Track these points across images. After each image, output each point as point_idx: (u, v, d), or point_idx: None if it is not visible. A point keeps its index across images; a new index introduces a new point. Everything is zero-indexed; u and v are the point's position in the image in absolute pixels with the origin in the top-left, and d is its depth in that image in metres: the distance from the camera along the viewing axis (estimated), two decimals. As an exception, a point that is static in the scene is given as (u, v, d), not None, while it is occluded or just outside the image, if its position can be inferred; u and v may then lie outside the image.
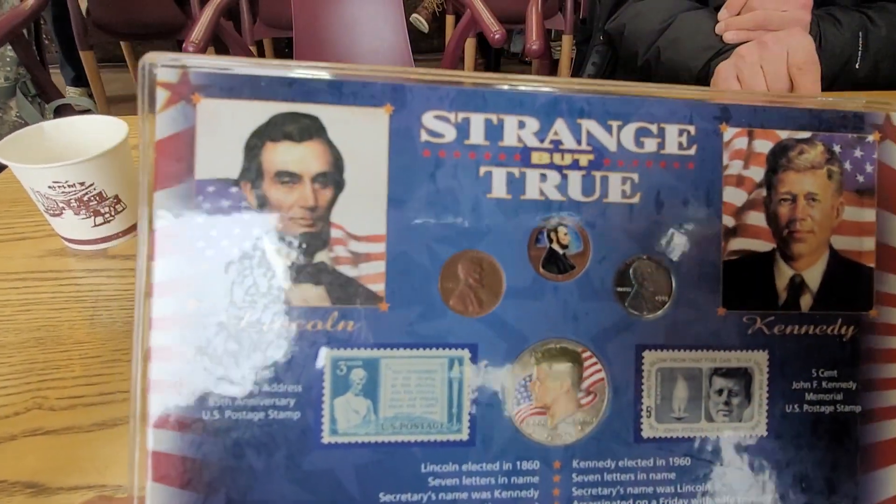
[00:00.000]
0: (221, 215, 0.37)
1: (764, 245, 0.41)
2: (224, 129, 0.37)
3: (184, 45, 1.45)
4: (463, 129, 0.39)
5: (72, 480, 0.50)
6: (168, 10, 2.82)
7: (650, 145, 0.40)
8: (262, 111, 0.37)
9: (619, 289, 0.40)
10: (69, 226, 0.75)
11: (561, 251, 0.40)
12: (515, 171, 0.39)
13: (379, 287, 0.38)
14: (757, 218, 0.41)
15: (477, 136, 0.39)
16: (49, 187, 0.70)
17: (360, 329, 0.38)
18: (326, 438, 0.38)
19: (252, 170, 0.37)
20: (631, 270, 0.40)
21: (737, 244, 0.41)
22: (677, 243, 0.40)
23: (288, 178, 0.38)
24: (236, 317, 0.37)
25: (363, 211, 0.38)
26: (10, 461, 0.51)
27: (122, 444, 0.49)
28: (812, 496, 0.42)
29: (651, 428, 0.40)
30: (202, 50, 1.51)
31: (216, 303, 0.36)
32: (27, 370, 0.59)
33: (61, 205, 0.72)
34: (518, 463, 0.39)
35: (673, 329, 0.40)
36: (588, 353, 0.40)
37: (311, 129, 0.38)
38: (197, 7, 2.70)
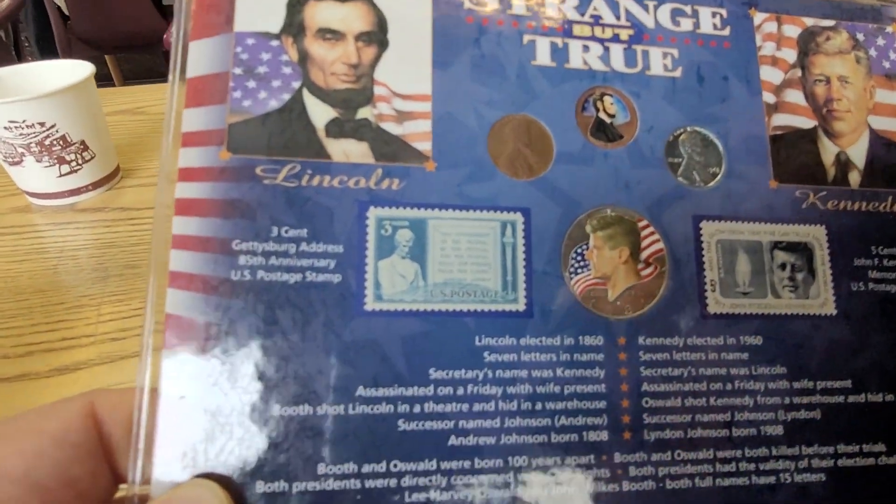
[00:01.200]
0: (260, 67, 0.24)
1: (806, 122, 0.28)
2: (265, -15, 0.24)
3: (164, 37, 1.08)
4: (506, 0, 0.26)
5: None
6: (151, 20, 1.93)
7: (686, 24, 0.28)
8: (304, -29, 0.25)
9: (670, 159, 0.26)
10: (31, 176, 0.48)
11: (608, 120, 0.26)
12: (559, 40, 0.26)
13: (425, 146, 0.24)
14: (795, 96, 0.28)
15: (519, 6, 0.26)
16: (5, 128, 0.44)
17: (406, 188, 0.24)
18: (370, 305, 0.23)
19: (294, 24, 0.24)
20: (680, 141, 0.27)
21: (780, 120, 0.27)
22: (723, 116, 0.27)
23: (330, 34, 0.24)
24: (272, 170, 0.23)
25: (408, 70, 0.25)
26: (-43, 409, 0.32)
27: (85, 388, 0.31)
28: (889, 383, 0.26)
29: (717, 303, 0.25)
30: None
31: (251, 155, 0.23)
32: (-20, 320, 0.38)
33: (20, 150, 0.46)
34: (580, 338, 0.24)
35: (728, 200, 0.26)
36: (645, 223, 0.25)
37: (354, -9, 0.25)
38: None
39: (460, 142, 0.23)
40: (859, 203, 0.26)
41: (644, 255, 0.24)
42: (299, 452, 0.20)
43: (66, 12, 1.84)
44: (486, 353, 0.22)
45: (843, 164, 0.26)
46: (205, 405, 0.20)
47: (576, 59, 0.25)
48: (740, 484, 0.23)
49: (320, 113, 0.23)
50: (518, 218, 0.23)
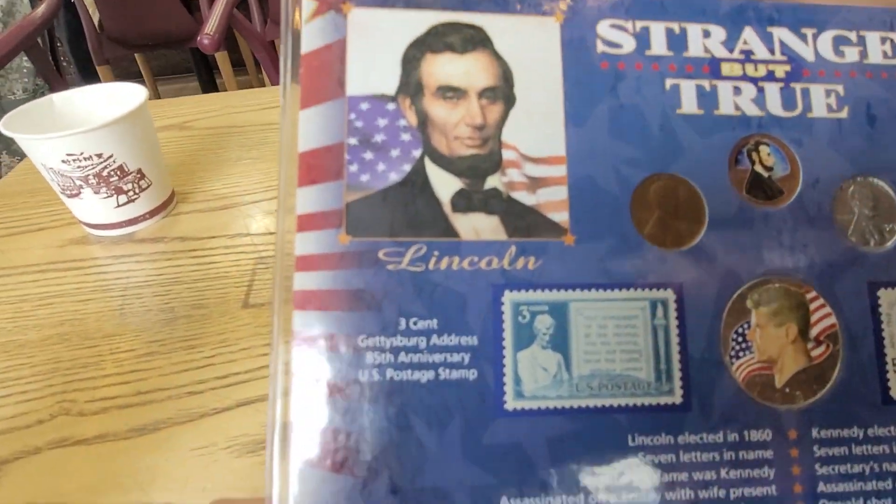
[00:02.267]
0: (377, 135, 0.21)
1: None
2: (378, 40, 0.21)
3: (198, 38, 1.03)
4: (643, 39, 0.23)
5: (109, 500, 0.28)
6: (180, 18, 1.94)
7: (851, 55, 0.23)
8: (420, 21, 0.22)
9: (839, 217, 0.23)
10: (89, 208, 0.46)
11: (766, 174, 0.23)
12: (706, 83, 0.23)
13: (562, 216, 0.21)
14: None
15: (659, 46, 0.23)
16: (63, 161, 0.42)
17: (543, 266, 0.21)
18: (511, 404, 0.20)
19: (411, 84, 0.21)
20: (849, 195, 0.23)
21: None
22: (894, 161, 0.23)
23: (452, 93, 0.22)
24: (396, 254, 0.21)
25: (538, 129, 0.22)
26: (34, 478, 0.29)
27: (168, 451, 0.30)
28: None
29: None
30: (218, 43, 1.07)
31: (373, 238, 0.20)
32: (51, 370, 0.36)
33: (78, 182, 0.44)
34: (746, 433, 0.21)
35: None
36: (813, 294, 0.22)
37: (475, 40, 0.22)
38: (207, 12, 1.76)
39: (601, 209, 0.20)
40: None
41: (814, 332, 0.20)
42: (442, 574, 0.18)
43: (97, 15, 1.86)
44: (640, 454, 0.19)
45: None
46: (338, 524, 0.18)
47: (726, 105, 0.21)
48: None
49: (445, 184, 0.20)
50: (670, 295, 0.20)
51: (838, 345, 0.20)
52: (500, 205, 0.20)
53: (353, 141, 0.20)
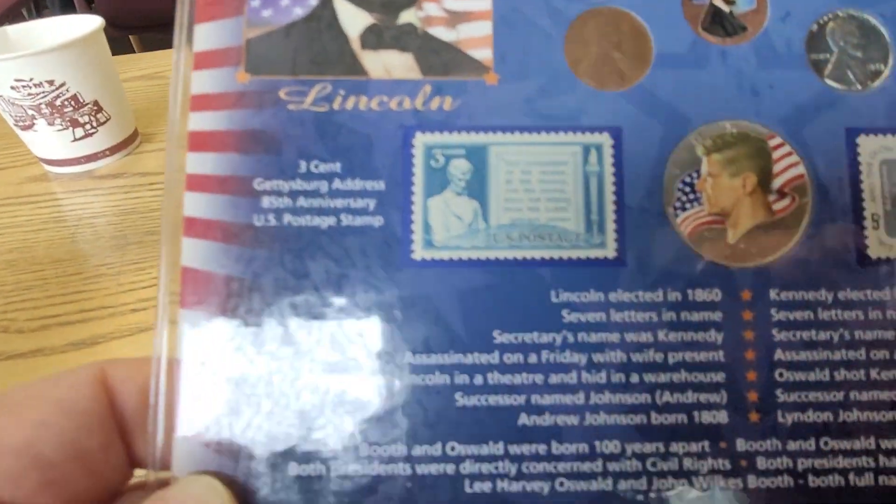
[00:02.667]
0: None
1: None
2: None
3: None
4: None
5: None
6: None
7: None
8: None
9: (814, 56, 0.20)
10: (44, 141, 0.44)
11: (726, 7, 0.20)
12: None
13: (485, 53, 0.19)
14: None
15: None
16: (12, 87, 0.40)
17: (462, 107, 0.19)
18: (419, 253, 0.18)
19: None
20: (828, 30, 0.20)
21: None
22: None
23: None
24: (298, 93, 0.19)
25: None
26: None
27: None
28: None
29: (881, 244, 0.19)
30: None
31: (274, 76, 0.17)
32: (-8, 293, 0.34)
33: (31, 112, 0.41)
34: (690, 292, 0.18)
35: None
36: (778, 140, 0.19)
37: None
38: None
39: (530, 46, 0.18)
40: None
41: (777, 182, 0.18)
42: (337, 430, 0.16)
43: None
44: (565, 312, 0.17)
45: None
46: (228, 373, 0.16)
47: (681, -71, 0.18)
48: (915, 485, 0.16)
49: (354, 19, 0.18)
50: (605, 140, 0.18)
51: (806, 197, 0.18)
52: (414, 41, 0.18)
53: (255, -26, 0.18)
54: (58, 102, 0.42)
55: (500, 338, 0.17)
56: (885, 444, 0.17)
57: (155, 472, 0.16)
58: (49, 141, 0.45)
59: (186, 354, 0.16)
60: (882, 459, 0.17)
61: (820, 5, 0.18)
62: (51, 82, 0.41)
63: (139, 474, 0.17)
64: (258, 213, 0.17)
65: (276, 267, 0.17)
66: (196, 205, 0.17)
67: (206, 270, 0.17)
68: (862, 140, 0.18)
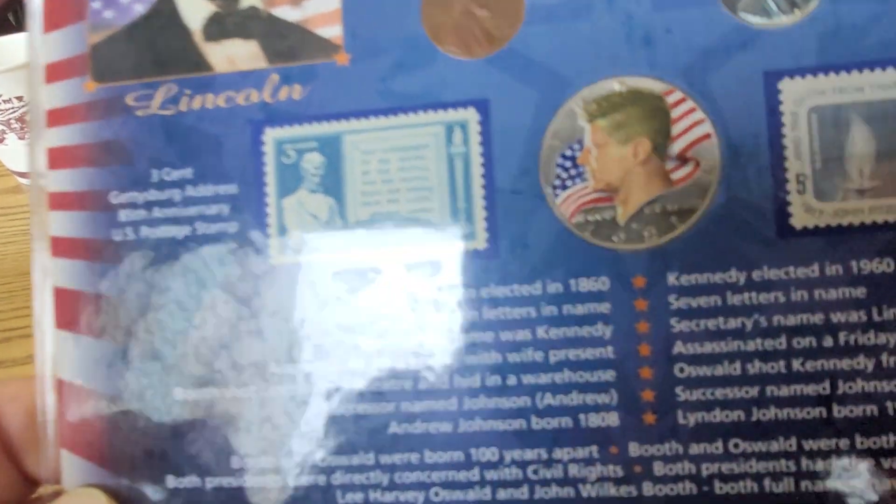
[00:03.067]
0: None
1: None
2: None
3: None
4: None
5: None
6: None
7: None
8: None
9: None
10: (16, 155, 0.42)
11: None
12: None
13: (334, 31, 0.17)
14: None
15: None
16: None
17: (312, 95, 0.17)
18: (276, 258, 0.16)
19: None
20: None
21: None
22: None
23: None
24: (145, 97, 0.18)
25: None
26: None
27: None
28: None
29: (809, 211, 0.16)
30: None
31: (119, 82, 0.16)
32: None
33: (1, 127, 0.41)
34: (572, 282, 0.16)
35: (834, 38, 0.15)
36: (678, 96, 0.16)
37: None
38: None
39: (382, 16, 0.16)
40: None
41: (677, 146, 0.15)
42: (209, 443, 0.16)
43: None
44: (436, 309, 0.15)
45: None
46: (104, 390, 0.16)
47: None
48: (842, 489, 0.14)
49: (195, 10, 0.16)
50: (471, 115, 0.15)
51: (713, 161, 0.15)
52: (258, 25, 0.16)
53: (93, -28, 0.17)
54: (27, 117, 0.41)
55: (365, 344, 0.16)
56: (809, 444, 0.14)
57: (50, 487, 0.17)
58: (20, 155, 0.44)
59: (66, 374, 0.17)
60: (805, 462, 0.14)
61: (733, -82, 0.15)
62: (20, 98, 0.40)
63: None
64: (116, 228, 0.16)
65: (138, 282, 0.16)
66: (61, 224, 0.17)
67: (76, 290, 0.17)
68: (785, 84, 0.14)
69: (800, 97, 0.14)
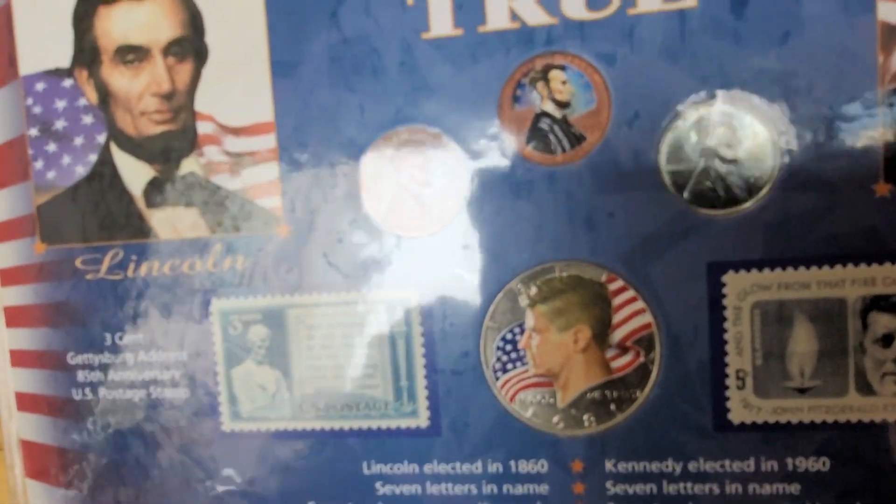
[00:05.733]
0: (57, 121, 0.17)
1: None
2: (42, -2, 0.16)
3: None
4: (373, -67, 0.15)
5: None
6: None
7: None
8: (85, -38, 0.16)
9: (672, 167, 0.15)
10: None
11: (558, 112, 0.15)
12: None
13: (273, 202, 0.16)
14: None
15: (396, -61, 0.15)
16: None
17: (255, 266, 0.16)
18: (228, 425, 0.16)
19: (86, 50, 0.16)
20: (695, 133, 0.15)
21: None
22: (780, 68, 0.14)
23: (132, 54, 0.16)
24: (93, 261, 0.17)
25: (239, 89, 0.16)
26: None
27: None
28: None
29: (747, 407, 0.15)
30: None
31: (68, 244, 0.15)
32: None
33: None
34: (513, 463, 0.16)
35: (781, 229, 0.14)
36: (619, 284, 0.15)
37: (151, -23, 0.16)
38: None
39: (322, 189, 0.14)
40: None
41: (617, 335, 0.14)
42: (172, 591, 0.16)
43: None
44: (378, 485, 0.15)
45: None
46: (74, 536, 0.16)
47: (497, 14, 0.13)
48: None
49: (136, 173, 0.15)
50: (412, 295, 0.14)
51: (653, 352, 0.14)
52: (199, 194, 0.15)
53: (34, 132, 0.15)
54: None
55: (314, 509, 0.15)
56: None
57: None
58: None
59: (38, 518, 0.16)
60: None
61: (681, 94, 0.13)
62: None
63: None
64: (76, 388, 0.16)
65: (98, 439, 0.16)
66: (23, 380, 0.16)
67: (41, 443, 0.16)
68: (730, 278, 0.13)
69: (743, 291, 0.13)
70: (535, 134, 0.13)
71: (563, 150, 0.13)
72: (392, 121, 0.14)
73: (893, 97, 0.12)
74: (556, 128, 0.13)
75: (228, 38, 0.14)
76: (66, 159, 0.15)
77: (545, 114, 0.13)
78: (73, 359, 0.16)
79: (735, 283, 0.13)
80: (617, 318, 0.13)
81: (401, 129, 0.14)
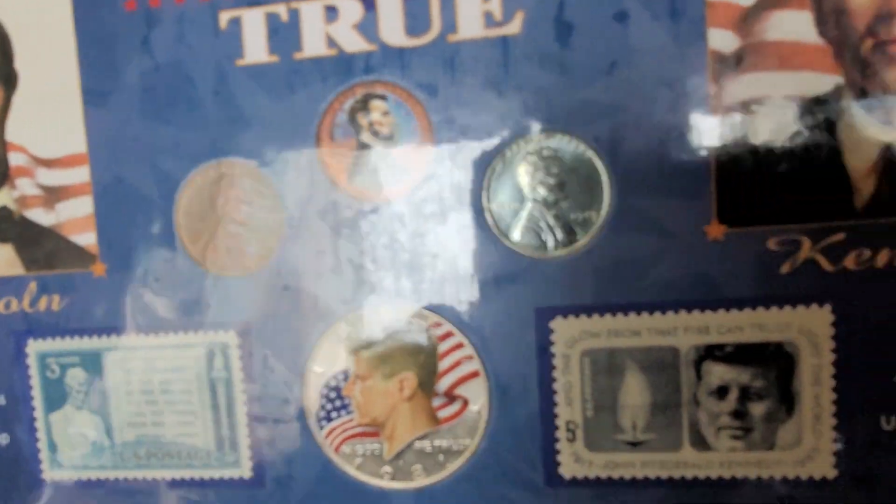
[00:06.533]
0: None
1: (819, 81, 0.12)
2: None
3: None
4: (182, -48, 0.14)
5: None
6: None
7: None
8: None
9: (496, 207, 0.14)
10: None
11: (377, 144, 0.14)
12: (281, 9, 0.14)
13: (88, 238, 0.14)
14: (794, 22, 0.12)
15: (206, -42, 0.14)
16: None
17: (71, 306, 0.14)
18: (48, 474, 0.14)
19: None
20: (521, 169, 0.13)
21: (743, 88, 0.13)
22: (614, 102, 0.13)
23: None
24: None
25: (51, 118, 0.15)
26: None
27: None
28: None
29: (578, 461, 0.14)
30: None
31: None
32: None
33: None
34: None
35: (611, 274, 0.13)
36: (445, 330, 0.14)
37: (-44, -3, 0.15)
38: None
39: (136, 225, 0.13)
40: (928, 252, 0.11)
41: (444, 383, 0.13)
42: None
43: None
44: (203, 538, 0.14)
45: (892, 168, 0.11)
46: None
47: (313, 41, 0.12)
48: None
49: (-51, 207, 0.14)
50: (231, 339, 0.13)
51: (482, 400, 0.12)
52: (12, 229, 0.14)
53: None
54: None
55: (139, 563, 0.14)
56: None
57: None
58: None
59: None
60: None
61: (506, 129, 0.12)
62: None
63: None
64: None
65: (-83, 488, 0.15)
66: None
67: None
68: (558, 324, 0.12)
69: (572, 338, 0.12)
70: (357, 168, 0.12)
71: (387, 185, 0.12)
72: (208, 153, 0.13)
73: (725, 129, 0.11)
74: (379, 161, 0.12)
75: (38, 64, 0.13)
76: None
77: (367, 146, 0.12)
78: None
79: (563, 330, 0.12)
80: (443, 364, 0.12)
81: (216, 162, 0.13)
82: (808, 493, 0.10)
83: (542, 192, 0.11)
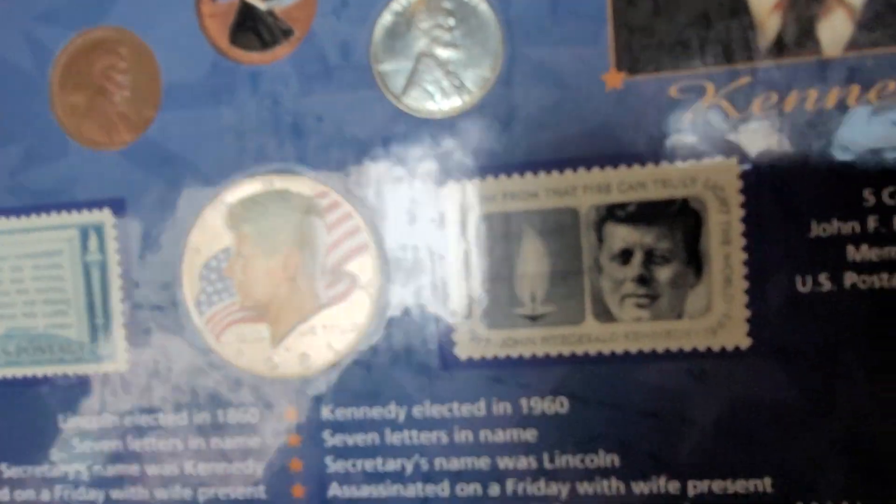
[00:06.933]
0: None
1: None
2: None
3: None
4: None
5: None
6: None
7: None
8: None
9: (382, 66, 0.12)
10: None
11: (263, 5, 0.13)
12: None
13: None
14: None
15: None
16: None
17: None
18: None
19: None
20: (407, 19, 0.12)
21: None
22: None
23: None
24: None
25: None
26: None
27: None
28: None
29: (475, 340, 0.12)
30: None
31: None
32: None
33: None
34: (221, 412, 0.13)
35: (505, 132, 0.12)
36: (332, 198, 0.13)
37: None
38: None
39: (12, 96, 0.12)
40: (838, 90, 0.10)
41: (331, 259, 0.12)
42: None
43: None
44: (75, 441, 0.12)
45: (810, 5, 0.10)
46: None
47: None
48: None
49: None
50: (107, 217, 0.12)
51: (371, 275, 0.11)
52: None
53: None
54: None
55: (7, 472, 0.13)
56: None
57: None
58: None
59: None
60: None
61: (396, -20, 0.11)
62: None
63: None
64: None
65: None
66: None
67: None
68: (450, 189, 0.11)
69: (467, 203, 0.11)
70: (239, 29, 0.11)
71: (267, 44, 0.11)
72: (82, 20, 0.12)
73: (624, -25, 0.10)
74: (259, 21, 0.11)
75: None
76: None
77: (247, 6, 0.11)
78: None
79: (456, 195, 0.11)
80: (330, 238, 0.11)
81: (92, 27, 0.12)
82: (720, 365, 0.09)
83: (431, 46, 0.10)
